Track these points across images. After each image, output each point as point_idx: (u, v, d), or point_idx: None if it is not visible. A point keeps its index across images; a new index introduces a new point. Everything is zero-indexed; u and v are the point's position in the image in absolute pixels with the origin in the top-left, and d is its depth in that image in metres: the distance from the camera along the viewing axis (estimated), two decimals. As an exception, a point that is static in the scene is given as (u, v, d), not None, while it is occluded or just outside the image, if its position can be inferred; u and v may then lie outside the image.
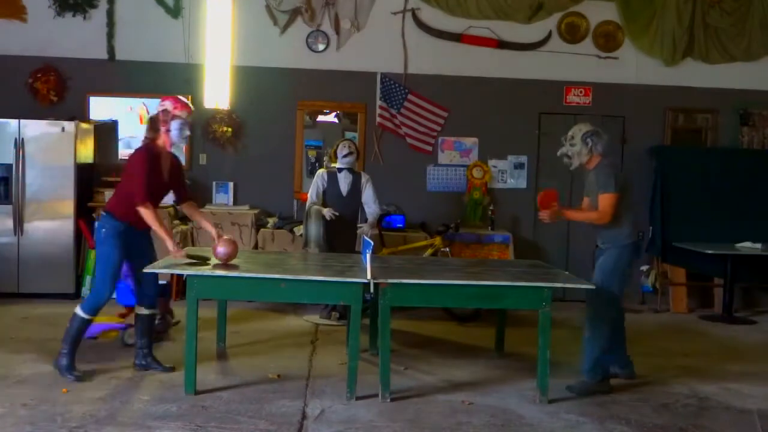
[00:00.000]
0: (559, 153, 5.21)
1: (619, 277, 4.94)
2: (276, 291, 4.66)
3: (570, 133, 5.12)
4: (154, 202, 4.85)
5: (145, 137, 4.89)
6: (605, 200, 4.89)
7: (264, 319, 6.76)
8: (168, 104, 4.83)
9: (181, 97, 4.95)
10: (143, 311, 5.03)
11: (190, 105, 4.96)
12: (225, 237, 4.94)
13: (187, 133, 4.90)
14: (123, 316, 5.92)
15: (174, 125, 4.79)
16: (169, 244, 4.80)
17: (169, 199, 7.63)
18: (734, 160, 8.41)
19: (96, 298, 4.80)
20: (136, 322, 5.07)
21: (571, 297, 7.64)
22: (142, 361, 5.00)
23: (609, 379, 4.96)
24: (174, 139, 4.84)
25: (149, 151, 4.80)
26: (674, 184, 8.22)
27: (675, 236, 8.09)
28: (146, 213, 4.70)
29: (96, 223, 4.96)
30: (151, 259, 4.97)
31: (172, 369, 4.96)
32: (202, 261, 4.79)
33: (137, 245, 4.89)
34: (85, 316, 4.80)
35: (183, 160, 8.16)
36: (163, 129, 4.81)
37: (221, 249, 4.80)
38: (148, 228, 4.85)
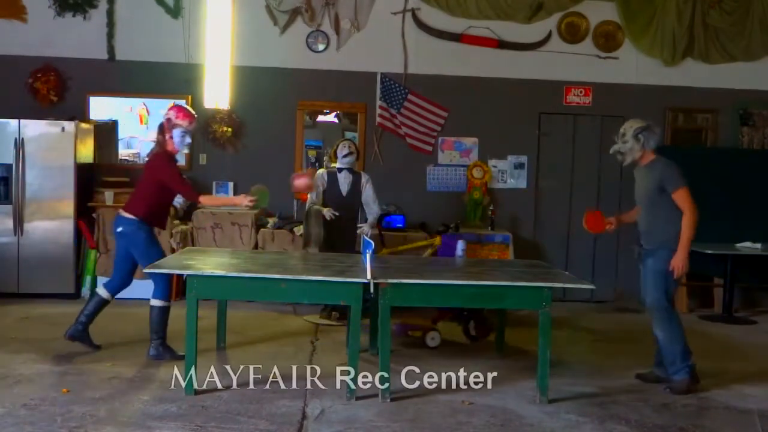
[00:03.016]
0: (611, 150, 5.21)
1: (671, 278, 4.96)
2: (276, 291, 4.67)
3: (621, 130, 5.13)
4: (169, 200, 5.52)
5: (156, 141, 5.43)
6: (683, 195, 4.90)
7: (264, 319, 6.76)
8: (171, 114, 5.32)
9: (185, 106, 5.44)
10: (107, 295, 5.48)
11: (193, 114, 5.43)
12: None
13: (188, 140, 5.40)
14: (435, 320, 6.23)
15: (176, 133, 5.28)
16: (240, 200, 5.46)
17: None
18: (734, 160, 8.41)
19: (167, 287, 5.29)
20: (92, 300, 5.51)
21: (571, 297, 7.69)
22: (74, 333, 5.42)
23: (697, 376, 5.00)
24: (176, 146, 5.34)
25: (168, 154, 5.33)
26: (674, 184, 8.20)
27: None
28: (208, 200, 5.51)
29: (123, 227, 5.32)
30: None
31: (98, 347, 5.43)
32: (261, 195, 5.38)
33: None
34: (165, 304, 5.29)
35: (183, 160, 8.18)
36: (167, 136, 5.30)
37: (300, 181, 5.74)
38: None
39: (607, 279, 8.32)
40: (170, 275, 5.33)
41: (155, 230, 5.54)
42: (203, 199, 5.46)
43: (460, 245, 6.50)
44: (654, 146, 5.07)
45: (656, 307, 4.97)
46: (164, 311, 5.29)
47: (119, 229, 5.35)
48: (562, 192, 8.53)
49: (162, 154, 5.33)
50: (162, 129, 5.34)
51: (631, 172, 8.18)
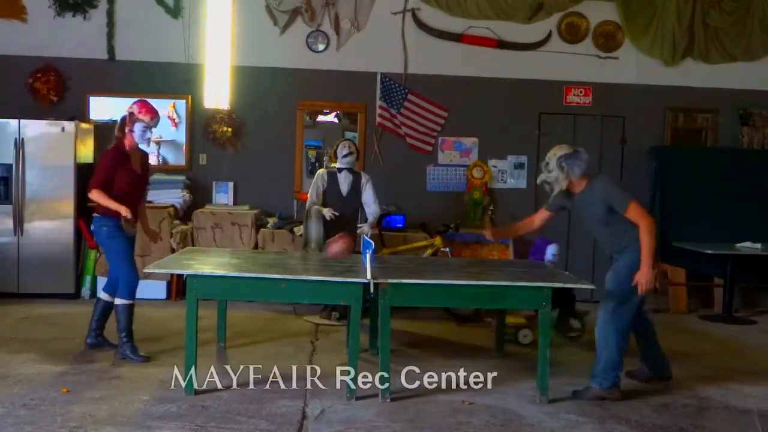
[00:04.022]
0: (538, 181, 4.98)
1: (632, 288, 4.71)
2: (276, 291, 4.67)
3: (546, 159, 4.85)
4: (135, 194, 5.38)
5: (115, 136, 5.39)
6: (635, 209, 4.63)
7: (264, 319, 6.76)
8: (134, 108, 5.32)
9: (149, 103, 5.39)
10: (107, 297, 5.44)
11: (156, 110, 5.40)
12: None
13: (149, 135, 5.39)
14: (530, 318, 6.09)
15: (137, 127, 5.27)
16: (122, 210, 5.14)
17: (169, 198, 7.75)
18: (734, 160, 8.42)
19: (129, 284, 5.26)
20: (96, 306, 5.49)
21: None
22: (92, 343, 5.46)
23: (619, 387, 4.75)
24: (136, 139, 5.32)
25: (118, 150, 5.31)
26: (674, 184, 8.22)
27: (675, 236, 8.08)
28: (96, 196, 5.17)
29: (93, 226, 5.44)
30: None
31: (116, 346, 5.35)
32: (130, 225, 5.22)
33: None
34: (128, 302, 5.26)
35: (183, 160, 8.21)
36: (128, 130, 5.30)
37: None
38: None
39: (607, 279, 8.30)
40: (134, 274, 5.27)
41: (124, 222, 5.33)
42: (94, 193, 5.18)
43: (551, 249, 6.08)
44: (579, 173, 4.72)
45: (605, 306, 4.79)
46: (130, 308, 5.28)
47: (92, 228, 5.49)
48: (562, 192, 8.51)
49: (112, 150, 5.32)
50: (123, 123, 5.32)
51: (631, 171, 8.32)
